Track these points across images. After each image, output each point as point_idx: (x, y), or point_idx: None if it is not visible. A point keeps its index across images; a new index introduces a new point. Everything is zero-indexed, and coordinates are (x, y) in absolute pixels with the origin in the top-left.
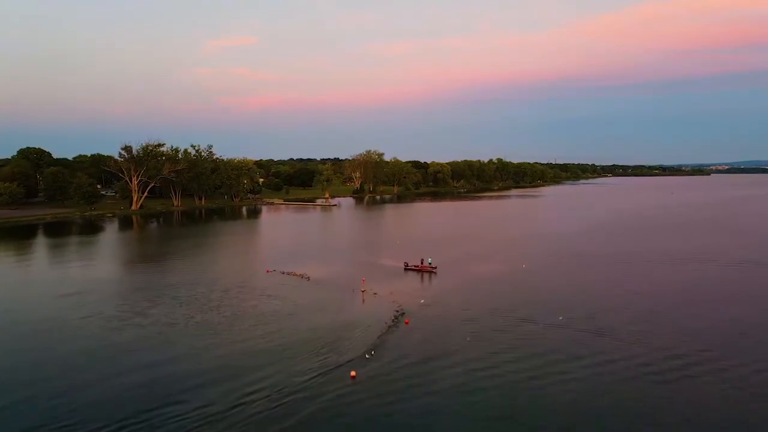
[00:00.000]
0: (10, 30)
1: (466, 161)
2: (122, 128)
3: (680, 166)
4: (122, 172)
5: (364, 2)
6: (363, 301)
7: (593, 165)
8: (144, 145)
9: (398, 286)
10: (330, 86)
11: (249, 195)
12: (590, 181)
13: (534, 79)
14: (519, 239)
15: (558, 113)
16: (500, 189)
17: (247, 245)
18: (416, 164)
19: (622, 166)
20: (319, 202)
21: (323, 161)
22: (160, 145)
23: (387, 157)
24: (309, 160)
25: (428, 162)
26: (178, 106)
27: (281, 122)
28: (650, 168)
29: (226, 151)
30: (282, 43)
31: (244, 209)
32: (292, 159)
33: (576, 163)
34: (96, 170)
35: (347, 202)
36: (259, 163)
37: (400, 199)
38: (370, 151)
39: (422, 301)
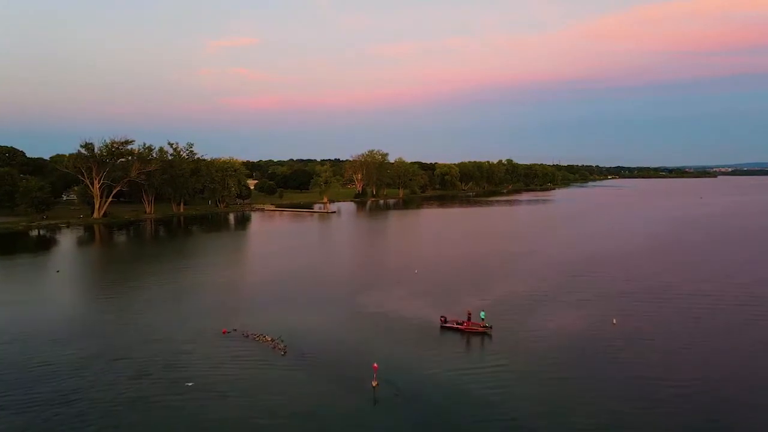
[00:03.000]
0: (12, 30)
1: (475, 162)
2: (122, 128)
3: (683, 167)
4: (82, 174)
5: (365, 4)
6: (375, 402)
7: (597, 166)
8: (108, 141)
9: (434, 369)
10: (330, 87)
11: (237, 200)
12: (599, 183)
13: (534, 81)
14: (579, 264)
15: (559, 114)
16: (510, 192)
17: (209, 276)
18: (422, 165)
19: (627, 168)
20: (316, 207)
21: (323, 162)
22: (127, 142)
23: (390, 158)
24: (309, 161)
25: (434, 163)
26: (178, 106)
27: (281, 123)
28: (656, 170)
29: (226, 151)
30: (283, 44)
31: (231, 217)
32: (291, 160)
33: (579, 164)
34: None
35: (348, 207)
36: (257, 164)
37: (406, 204)
38: (373, 150)
39: (481, 408)
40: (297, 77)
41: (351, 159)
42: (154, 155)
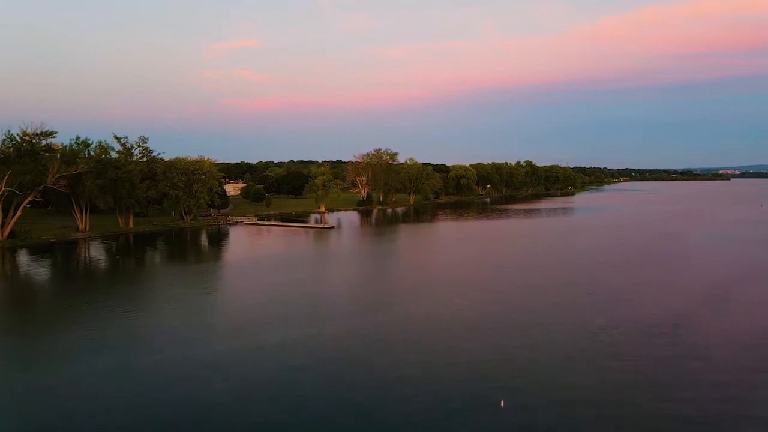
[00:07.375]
0: (12, 32)
1: (494, 164)
2: (122, 130)
3: (690, 170)
4: None
5: (366, 5)
6: None
7: (607, 169)
8: (15, 135)
9: None
10: (333, 89)
11: (212, 210)
12: (615, 187)
13: (535, 83)
14: None
15: (561, 117)
16: (529, 198)
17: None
18: (433, 168)
19: (635, 170)
20: (311, 219)
21: (322, 163)
22: (47, 134)
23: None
24: (310, 162)
25: (443, 164)
26: (181, 108)
27: (283, 124)
28: (666, 172)
29: (227, 153)
30: (285, 46)
31: (197, 234)
32: (292, 161)
33: (587, 167)
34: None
35: (350, 218)
36: (255, 166)
37: (418, 213)
38: (380, 149)
39: None
40: (299, 79)
41: (354, 159)
42: (92, 152)
